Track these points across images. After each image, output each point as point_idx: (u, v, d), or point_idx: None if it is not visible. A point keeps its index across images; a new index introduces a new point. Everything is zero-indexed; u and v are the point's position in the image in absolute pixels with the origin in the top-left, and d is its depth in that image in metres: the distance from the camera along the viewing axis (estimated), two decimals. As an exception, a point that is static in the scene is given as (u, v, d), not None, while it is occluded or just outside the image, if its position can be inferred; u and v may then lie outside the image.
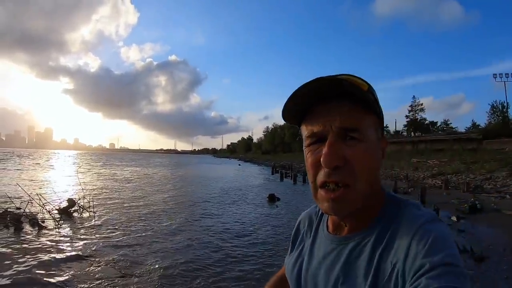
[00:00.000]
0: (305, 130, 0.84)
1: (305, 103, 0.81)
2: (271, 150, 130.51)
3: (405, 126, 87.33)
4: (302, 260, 0.97)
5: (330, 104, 0.79)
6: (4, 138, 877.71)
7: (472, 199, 15.12)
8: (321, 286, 0.86)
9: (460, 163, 28.92)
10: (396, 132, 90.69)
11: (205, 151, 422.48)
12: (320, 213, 1.02)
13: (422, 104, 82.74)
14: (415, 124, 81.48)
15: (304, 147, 0.85)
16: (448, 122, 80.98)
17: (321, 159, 0.77)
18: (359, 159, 0.77)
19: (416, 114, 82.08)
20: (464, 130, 64.30)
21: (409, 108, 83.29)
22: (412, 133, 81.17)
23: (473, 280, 6.06)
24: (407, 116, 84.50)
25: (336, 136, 0.77)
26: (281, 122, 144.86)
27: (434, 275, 0.62)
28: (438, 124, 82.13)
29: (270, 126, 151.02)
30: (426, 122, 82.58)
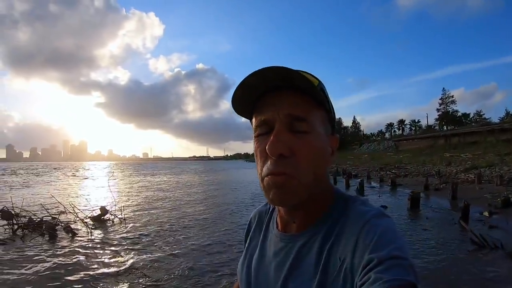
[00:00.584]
0: (254, 120, 0.84)
1: (254, 92, 0.82)
2: None
3: (436, 120, 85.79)
4: (252, 258, 0.99)
5: (280, 94, 0.80)
6: (40, 153, 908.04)
7: (505, 192, 14.48)
8: (271, 283, 0.87)
9: (494, 155, 28.04)
10: (428, 126, 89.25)
11: (237, 156, 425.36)
12: (270, 210, 1.04)
13: (453, 96, 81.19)
14: (447, 117, 79.76)
15: (253, 138, 0.86)
16: (481, 113, 78.97)
17: (266, 147, 0.77)
18: (305, 151, 0.77)
19: (447, 107, 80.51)
20: (498, 121, 62.84)
21: (440, 101, 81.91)
22: (445, 126, 79.58)
23: (507, 279, 6.03)
24: (438, 110, 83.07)
25: (283, 125, 0.78)
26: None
27: (382, 269, 0.63)
28: (471, 116, 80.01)
29: None
30: (458, 114, 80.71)
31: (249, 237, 1.07)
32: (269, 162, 0.78)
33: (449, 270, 6.50)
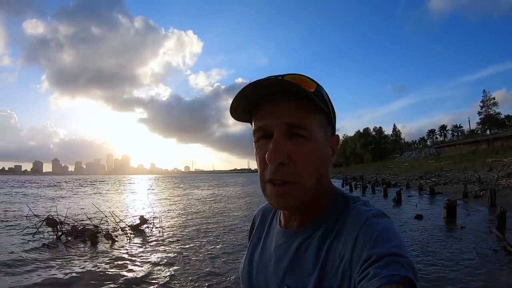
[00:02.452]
0: (253, 126, 0.86)
1: (253, 100, 0.83)
2: (343, 162, 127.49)
3: (478, 124, 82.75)
4: (254, 254, 1.02)
5: (278, 101, 0.80)
6: (84, 166, 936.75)
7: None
8: (271, 278, 0.89)
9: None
10: (471, 131, 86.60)
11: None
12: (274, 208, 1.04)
13: (494, 98, 77.85)
14: (489, 120, 76.93)
15: (253, 143, 0.87)
16: (525, 114, 75.73)
17: (266, 156, 0.78)
18: (304, 157, 0.79)
19: (489, 110, 77.68)
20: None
21: (481, 104, 78.80)
22: (488, 130, 76.74)
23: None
24: (479, 113, 79.98)
25: (281, 132, 0.79)
26: (352, 133, 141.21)
27: (381, 265, 0.63)
28: (515, 117, 76.84)
29: (341, 137, 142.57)
30: (501, 117, 77.70)
31: (252, 234, 1.09)
32: (269, 168, 0.81)
33: (477, 283, 6.36)
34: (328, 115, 0.86)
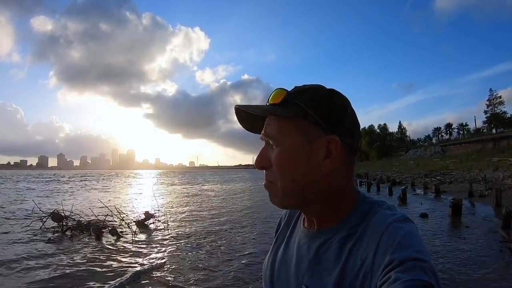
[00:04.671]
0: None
1: (244, 124, 0.97)
2: None
3: (484, 122, 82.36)
4: (277, 253, 1.04)
5: (267, 117, 0.91)
6: (89, 161, 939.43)
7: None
8: (292, 277, 0.91)
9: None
10: (477, 130, 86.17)
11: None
12: None
13: (500, 97, 77.54)
14: (495, 119, 76.62)
15: None
16: (532, 113, 75.10)
17: None
18: (275, 162, 0.86)
19: (495, 109, 77.34)
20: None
21: (487, 103, 78.52)
22: (494, 129, 76.28)
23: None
24: (485, 112, 79.56)
25: (265, 142, 0.91)
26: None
27: (403, 270, 0.64)
28: (522, 116, 76.16)
29: None
30: (508, 115, 76.96)
31: (278, 234, 1.12)
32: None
33: (481, 283, 6.40)
34: (306, 117, 0.85)
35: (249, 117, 0.92)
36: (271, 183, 0.89)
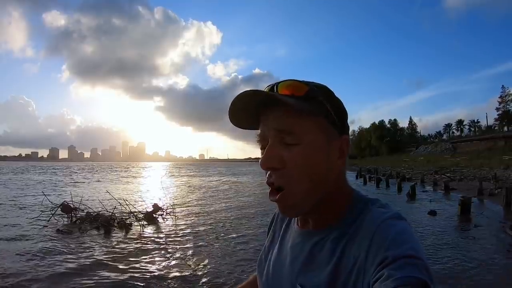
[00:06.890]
0: (256, 135, 0.88)
1: (250, 112, 0.87)
2: (358, 154, 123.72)
3: (496, 120, 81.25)
4: (271, 250, 1.03)
5: (270, 110, 0.83)
6: (100, 153, 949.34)
7: None
8: (286, 276, 0.90)
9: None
10: (488, 127, 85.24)
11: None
12: None
13: (512, 94, 76.76)
14: (507, 116, 75.53)
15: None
16: (545, 111, 73.98)
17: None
18: (295, 162, 0.79)
19: (508, 106, 76.15)
20: None
21: (499, 100, 77.44)
22: (506, 127, 75.38)
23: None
24: (497, 109, 78.53)
25: (274, 139, 0.81)
26: (368, 124, 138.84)
27: (396, 267, 0.63)
28: (534, 115, 75.00)
29: (356, 129, 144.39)
30: (520, 113, 75.95)
31: (271, 231, 1.11)
32: (267, 173, 0.84)
33: (488, 283, 6.30)
34: (327, 116, 0.84)
35: (246, 108, 0.86)
36: (279, 189, 0.81)
